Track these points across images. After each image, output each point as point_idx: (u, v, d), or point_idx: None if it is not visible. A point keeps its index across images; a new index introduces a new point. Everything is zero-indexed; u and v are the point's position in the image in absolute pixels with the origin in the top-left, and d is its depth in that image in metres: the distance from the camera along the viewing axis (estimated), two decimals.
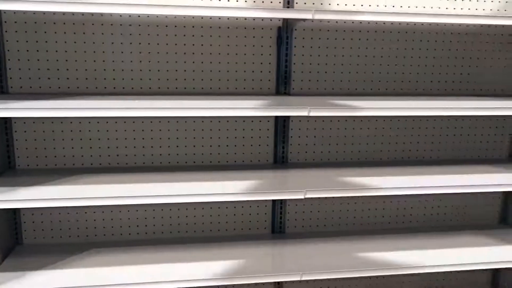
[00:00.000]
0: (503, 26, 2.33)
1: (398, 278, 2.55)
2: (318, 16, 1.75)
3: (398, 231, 2.44)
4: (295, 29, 2.18)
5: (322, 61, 2.26)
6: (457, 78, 2.41)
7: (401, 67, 2.34)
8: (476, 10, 2.32)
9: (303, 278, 2.00)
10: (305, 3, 2.16)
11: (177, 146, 2.22)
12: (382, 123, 2.39)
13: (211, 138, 2.25)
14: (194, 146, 2.24)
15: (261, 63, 2.20)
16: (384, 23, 2.26)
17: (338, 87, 2.30)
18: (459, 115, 2.36)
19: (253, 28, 2.15)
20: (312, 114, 1.85)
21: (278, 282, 2.46)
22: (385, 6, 2.22)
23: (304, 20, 2.10)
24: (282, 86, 2.24)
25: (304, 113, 1.84)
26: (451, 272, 2.14)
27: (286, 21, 2.15)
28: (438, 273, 2.53)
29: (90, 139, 2.15)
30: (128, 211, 2.25)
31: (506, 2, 2.33)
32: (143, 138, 2.19)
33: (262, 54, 2.19)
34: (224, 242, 2.26)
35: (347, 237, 2.35)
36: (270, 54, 2.20)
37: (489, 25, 2.34)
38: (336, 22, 2.21)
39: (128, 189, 1.88)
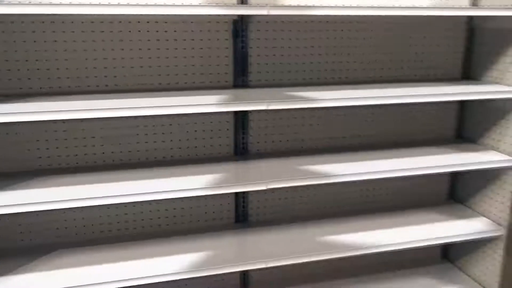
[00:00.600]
0: (441, 16, 2.44)
1: (358, 257, 2.68)
2: (273, 12, 1.78)
3: (356, 213, 2.55)
4: (251, 22, 2.20)
5: (279, 52, 2.29)
6: (403, 64, 2.51)
7: (352, 55, 2.41)
8: (417, 1, 2.43)
9: (269, 265, 2.07)
10: None
11: (137, 143, 2.22)
12: (337, 110, 2.47)
13: (171, 132, 2.25)
14: (154, 141, 2.24)
15: (218, 56, 2.21)
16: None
17: (295, 77, 2.35)
18: (410, 102, 2.46)
19: (209, 22, 2.15)
20: (271, 107, 1.89)
21: (244, 271, 2.52)
22: None
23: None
24: (240, 78, 2.26)
25: (262, 107, 1.88)
26: (405, 249, 2.29)
27: (241, 15, 2.17)
28: (393, 250, 2.67)
29: (37, 141, 2.10)
30: (89, 210, 2.23)
31: None
32: (93, 137, 2.16)
33: (218, 48, 2.20)
34: (189, 234, 2.30)
35: (309, 222, 2.44)
36: (226, 47, 2.21)
37: (429, 16, 2.44)
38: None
39: (88, 190, 1.87)
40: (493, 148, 2.44)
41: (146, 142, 2.23)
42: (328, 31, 2.34)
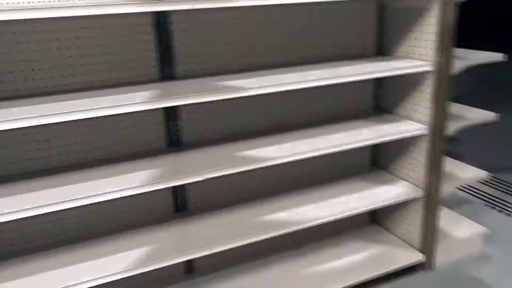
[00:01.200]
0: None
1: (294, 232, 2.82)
2: (198, 6, 1.79)
3: (288, 191, 2.67)
4: (172, 12, 2.18)
5: (203, 40, 2.30)
6: (321, 44, 2.63)
7: (272, 40, 2.49)
8: None
9: (213, 251, 2.14)
10: None
11: (66, 145, 2.15)
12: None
13: (100, 131, 2.21)
14: (83, 142, 2.19)
15: (143, 50, 2.18)
16: None
17: (221, 64, 2.38)
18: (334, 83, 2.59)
19: (128, 15, 2.11)
20: (201, 100, 1.92)
21: (189, 264, 2.58)
22: None
23: None
24: (168, 70, 2.25)
25: (193, 100, 1.91)
26: (336, 219, 2.45)
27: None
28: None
29: None
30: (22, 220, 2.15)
31: None
32: (26, 143, 2.08)
33: (141, 41, 2.17)
34: (129, 231, 2.29)
35: (246, 204, 2.53)
36: (149, 40, 2.19)
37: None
38: None
39: (21, 199, 1.81)
40: (408, 118, 2.65)
41: (75, 144, 2.17)
42: (248, 17, 2.38)
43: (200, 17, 2.26)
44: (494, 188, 3.82)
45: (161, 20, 2.17)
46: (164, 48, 2.21)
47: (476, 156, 4.44)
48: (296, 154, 2.21)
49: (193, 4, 1.78)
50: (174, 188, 2.44)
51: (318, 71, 2.31)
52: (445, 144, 2.53)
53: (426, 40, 2.42)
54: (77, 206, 2.22)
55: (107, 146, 2.24)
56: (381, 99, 2.86)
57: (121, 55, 2.15)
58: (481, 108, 2.79)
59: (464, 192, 3.74)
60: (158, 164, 2.13)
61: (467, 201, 3.61)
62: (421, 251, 2.72)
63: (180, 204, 2.48)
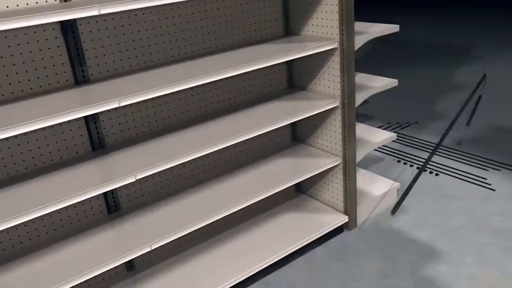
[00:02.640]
0: None
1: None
2: (104, 11, 1.77)
3: (217, 177, 2.77)
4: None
5: (113, 41, 2.27)
6: (230, 31, 2.70)
7: (180, 32, 2.51)
8: None
9: (153, 248, 2.19)
10: None
11: None
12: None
13: (18, 145, 2.13)
14: (1, 158, 2.10)
15: (51, 57, 2.11)
16: None
17: (134, 62, 2.37)
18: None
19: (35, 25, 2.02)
20: (123, 103, 1.93)
21: (129, 261, 2.60)
22: None
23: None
24: (80, 75, 2.21)
25: (115, 105, 1.91)
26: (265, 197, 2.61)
27: None
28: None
29: None
30: None
31: None
32: None
33: (49, 48, 2.10)
34: (65, 239, 2.27)
35: (183, 195, 2.59)
36: (58, 46, 2.12)
37: None
38: None
39: None
40: (321, 93, 2.83)
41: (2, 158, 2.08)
42: (154, 13, 2.38)
43: (108, 16, 2.22)
44: (400, 143, 4.19)
45: (67, 23, 2.11)
46: (74, 52, 2.16)
47: (382, 115, 4.82)
48: (216, 143, 2.29)
49: (99, 9, 1.76)
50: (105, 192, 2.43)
51: (231, 60, 2.39)
52: (355, 114, 2.75)
53: (328, 19, 2.58)
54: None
55: (28, 159, 2.17)
56: (294, 77, 3.01)
57: (30, 64, 2.07)
58: (379, 69, 3.04)
59: (375, 151, 4.07)
60: (87, 170, 2.11)
61: (379, 158, 3.95)
62: (345, 212, 2.96)
63: (112, 206, 2.48)
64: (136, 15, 2.31)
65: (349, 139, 2.77)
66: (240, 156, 2.94)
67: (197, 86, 2.64)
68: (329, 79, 2.73)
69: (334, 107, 2.72)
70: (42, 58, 2.10)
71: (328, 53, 2.66)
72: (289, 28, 2.89)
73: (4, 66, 2.01)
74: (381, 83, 2.93)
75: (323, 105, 2.66)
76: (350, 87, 2.66)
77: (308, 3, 2.67)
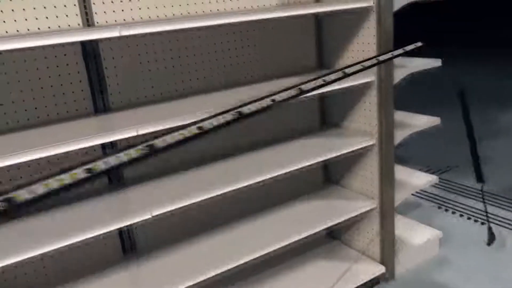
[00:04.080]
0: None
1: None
2: (125, 32, 1.66)
3: (241, 217, 2.56)
4: (101, 41, 2.03)
5: (137, 69, 2.16)
6: (261, 64, 2.57)
7: (210, 63, 2.39)
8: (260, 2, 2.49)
9: None
10: (105, 12, 2.02)
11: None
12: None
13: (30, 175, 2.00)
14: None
15: (71, 83, 2.01)
16: None
17: (158, 92, 2.25)
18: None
19: (53, 47, 1.94)
20: (141, 132, 1.78)
21: None
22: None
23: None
24: (101, 102, 2.09)
25: (132, 133, 1.76)
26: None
27: None
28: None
29: None
30: None
31: None
32: None
33: (69, 74, 2.00)
34: (79, 278, 2.09)
35: (200, 235, 2.39)
36: (78, 72, 2.02)
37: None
38: None
39: None
40: (356, 130, 2.62)
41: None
42: (181, 41, 2.27)
43: (131, 42, 2.12)
44: (441, 188, 3.89)
45: (90, 48, 2.01)
46: (96, 78, 2.05)
47: (421, 158, 4.54)
48: (241, 180, 2.10)
49: (120, 30, 1.65)
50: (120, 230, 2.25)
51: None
52: (394, 154, 2.53)
53: (365, 51, 2.42)
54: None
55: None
56: (327, 113, 2.83)
57: (49, 90, 1.97)
58: (419, 110, 2.83)
59: (413, 196, 3.78)
60: (100, 205, 1.95)
61: (418, 204, 3.65)
62: (381, 262, 2.68)
63: (128, 245, 2.29)
64: (162, 42, 2.21)
65: (386, 181, 2.53)
66: (267, 195, 2.73)
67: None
68: (365, 115, 2.53)
69: (371, 145, 2.51)
70: (61, 84, 1.99)
71: (364, 87, 2.48)
72: (322, 61, 2.74)
73: (21, 91, 1.91)
74: (421, 121, 2.71)
75: (358, 143, 2.45)
76: (388, 124, 2.45)
77: (342, 35, 2.53)
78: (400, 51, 2.14)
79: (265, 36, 2.54)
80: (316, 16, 2.66)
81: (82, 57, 2.01)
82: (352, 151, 2.48)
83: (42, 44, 1.50)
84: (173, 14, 2.19)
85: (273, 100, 1.72)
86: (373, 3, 2.28)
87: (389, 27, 2.31)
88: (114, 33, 1.63)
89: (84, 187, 2.10)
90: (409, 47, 1.95)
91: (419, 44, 1.96)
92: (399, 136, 2.56)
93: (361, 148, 2.53)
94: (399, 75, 2.47)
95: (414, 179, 2.81)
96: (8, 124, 1.91)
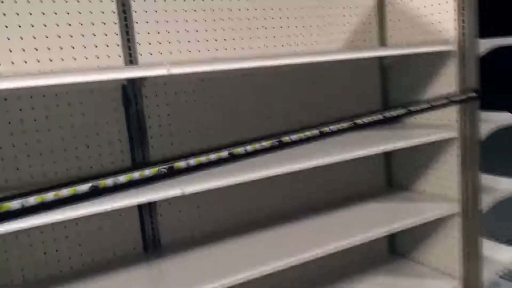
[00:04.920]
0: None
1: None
2: (175, 71, 1.39)
3: None
4: (144, 86, 1.79)
5: (183, 117, 1.89)
6: (320, 110, 2.26)
7: (268, 108, 2.10)
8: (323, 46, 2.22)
9: None
10: (150, 54, 1.79)
11: (45, 253, 1.63)
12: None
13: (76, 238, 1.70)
14: (56, 250, 1.66)
15: (108, 133, 1.75)
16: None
17: (206, 143, 1.96)
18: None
19: (92, 92, 1.70)
20: (187, 191, 1.47)
21: None
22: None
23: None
24: (140, 156, 1.81)
25: (176, 192, 1.45)
26: None
27: (130, 79, 1.74)
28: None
29: None
30: None
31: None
32: None
33: (107, 122, 1.74)
34: None
35: None
36: (117, 120, 1.76)
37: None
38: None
39: None
40: (431, 194, 2.24)
41: (57, 251, 1.65)
42: (237, 85, 2.01)
43: (179, 88, 1.87)
44: None
45: (131, 94, 1.76)
46: (136, 129, 1.79)
47: (506, 231, 4.00)
48: (292, 255, 1.72)
49: (169, 69, 1.38)
50: None
51: (324, 150, 1.91)
52: (481, 223, 2.11)
53: None
54: None
55: (84, 253, 1.72)
56: (394, 173, 2.46)
57: (82, 140, 1.71)
58: (505, 171, 2.43)
59: (501, 279, 3.25)
60: (135, 277, 1.61)
61: (508, 285, 3.12)
62: None
63: None
64: (212, 88, 1.95)
65: (472, 257, 2.10)
66: (322, 271, 2.33)
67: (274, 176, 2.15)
68: (444, 178, 2.15)
69: (451, 213, 2.10)
70: (97, 134, 1.73)
71: (443, 144, 2.12)
72: (387, 106, 2.41)
73: (52, 140, 1.66)
74: (510, 185, 2.30)
75: (436, 211, 2.05)
76: (475, 189, 2.06)
77: (414, 79, 2.21)
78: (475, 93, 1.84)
79: (325, 80, 2.25)
80: (381, 59, 2.37)
81: (122, 102, 1.76)
82: (429, 221, 2.08)
83: (82, 80, 1.24)
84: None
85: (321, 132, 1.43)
86: (455, 47, 1.97)
87: (473, 73, 1.99)
88: (162, 71, 1.36)
89: (115, 254, 1.79)
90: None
91: None
92: (486, 202, 2.15)
93: (439, 217, 2.13)
94: (483, 130, 2.11)
95: (501, 255, 2.35)
96: (33, 178, 1.64)
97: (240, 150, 1.38)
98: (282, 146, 1.46)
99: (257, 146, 1.38)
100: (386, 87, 2.39)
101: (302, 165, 1.68)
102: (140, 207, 1.84)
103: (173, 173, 1.19)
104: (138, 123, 1.79)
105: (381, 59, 2.37)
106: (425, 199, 2.20)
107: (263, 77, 2.05)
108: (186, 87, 1.88)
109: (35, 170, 1.63)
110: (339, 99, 2.29)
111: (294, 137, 1.49)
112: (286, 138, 1.48)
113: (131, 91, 1.75)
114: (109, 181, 1.06)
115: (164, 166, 1.16)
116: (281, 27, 2.06)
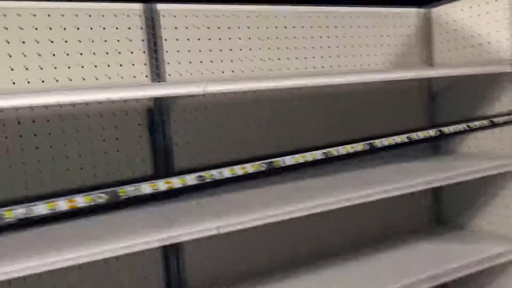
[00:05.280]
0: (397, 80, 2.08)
1: None
2: (211, 89, 1.21)
3: None
4: (173, 110, 1.60)
5: (214, 146, 1.70)
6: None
7: (306, 131, 1.90)
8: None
9: None
10: (180, 74, 1.61)
11: None
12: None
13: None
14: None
15: (131, 160, 1.56)
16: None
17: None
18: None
19: (113, 114, 1.52)
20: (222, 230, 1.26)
21: None
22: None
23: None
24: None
25: (212, 232, 1.24)
26: None
27: (158, 100, 1.57)
28: None
29: None
30: None
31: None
32: None
33: (132, 145, 1.55)
34: None
35: None
36: (141, 148, 1.57)
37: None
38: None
39: None
40: (489, 233, 1.99)
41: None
42: (268, 107, 1.82)
43: (209, 113, 1.68)
44: None
45: (158, 120, 1.58)
46: (161, 156, 1.59)
47: None
48: None
49: (205, 86, 1.20)
50: None
51: (355, 176, 1.69)
52: None
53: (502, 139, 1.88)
54: None
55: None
56: (443, 208, 2.21)
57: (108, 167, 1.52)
58: None
59: None
60: None
61: None
62: None
63: None
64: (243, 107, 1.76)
65: None
66: None
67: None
68: (502, 214, 1.91)
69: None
70: (127, 155, 1.54)
71: (502, 178, 1.89)
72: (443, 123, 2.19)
73: (80, 155, 1.47)
74: None
75: (496, 255, 1.80)
76: None
77: (467, 102, 2.01)
78: None
79: (368, 104, 2.05)
80: (429, 82, 2.17)
81: (148, 127, 1.58)
82: (486, 264, 1.82)
83: (106, 98, 1.07)
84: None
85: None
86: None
87: None
88: (197, 89, 1.18)
89: None
90: None
91: None
92: None
93: (499, 261, 1.87)
94: None
95: None
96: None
97: (279, 160, 1.18)
98: (329, 160, 1.25)
99: (301, 158, 1.17)
100: (433, 112, 2.17)
101: (350, 196, 1.46)
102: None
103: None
104: (164, 150, 1.60)
105: (429, 82, 2.17)
106: (482, 239, 1.95)
107: (300, 100, 1.86)
108: (218, 109, 1.69)
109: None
110: (383, 124, 2.08)
111: (342, 150, 1.30)
112: (332, 151, 1.27)
113: (157, 115, 1.57)
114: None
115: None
116: (321, 47, 1.88)
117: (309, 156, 1.22)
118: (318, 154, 1.24)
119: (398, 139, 1.32)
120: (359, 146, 1.22)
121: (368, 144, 1.25)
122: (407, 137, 1.35)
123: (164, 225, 1.24)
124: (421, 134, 1.36)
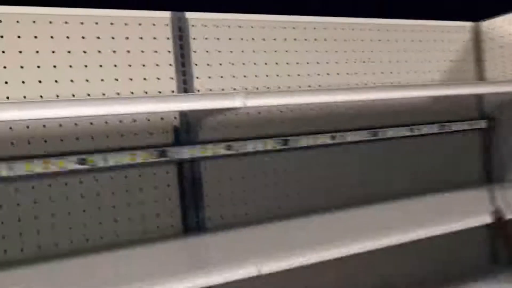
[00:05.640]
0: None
1: None
2: (252, 103, 1.03)
3: None
4: (201, 128, 1.42)
5: (242, 186, 1.50)
6: (407, 176, 1.84)
7: (356, 173, 1.70)
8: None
9: None
10: (210, 90, 1.44)
11: None
12: None
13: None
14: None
15: (159, 200, 1.36)
16: None
17: (263, 213, 1.54)
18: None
19: (135, 134, 1.35)
20: (263, 271, 1.05)
21: None
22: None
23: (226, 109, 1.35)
24: (193, 221, 1.41)
25: (253, 271, 1.04)
26: None
27: (185, 117, 1.38)
28: None
29: None
30: None
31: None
32: None
33: (156, 187, 1.36)
34: None
35: None
36: (168, 185, 1.38)
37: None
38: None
39: None
40: None
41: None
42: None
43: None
44: None
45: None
46: (188, 176, 1.41)
47: None
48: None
49: (245, 100, 1.02)
50: None
51: (400, 214, 1.47)
52: None
53: None
54: None
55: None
56: (502, 247, 1.96)
57: (136, 208, 1.33)
58: None
59: None
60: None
61: None
62: None
63: None
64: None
65: None
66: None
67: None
68: None
69: None
70: (155, 201, 1.35)
71: None
72: (491, 174, 1.96)
73: (98, 208, 1.29)
74: None
75: None
76: None
77: None
78: None
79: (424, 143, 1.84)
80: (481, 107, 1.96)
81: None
82: None
83: (135, 111, 0.89)
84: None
85: None
86: None
87: None
88: (236, 102, 1.00)
89: None
90: None
91: None
92: None
93: None
94: None
95: None
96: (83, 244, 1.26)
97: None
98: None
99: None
100: (489, 141, 1.96)
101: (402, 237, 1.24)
102: None
103: None
104: (192, 173, 1.40)
105: (481, 107, 1.95)
106: None
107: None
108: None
109: (67, 239, 1.25)
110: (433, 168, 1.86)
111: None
112: None
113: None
114: None
115: None
116: (364, 61, 1.70)
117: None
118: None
119: None
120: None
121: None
122: None
123: None
124: None
